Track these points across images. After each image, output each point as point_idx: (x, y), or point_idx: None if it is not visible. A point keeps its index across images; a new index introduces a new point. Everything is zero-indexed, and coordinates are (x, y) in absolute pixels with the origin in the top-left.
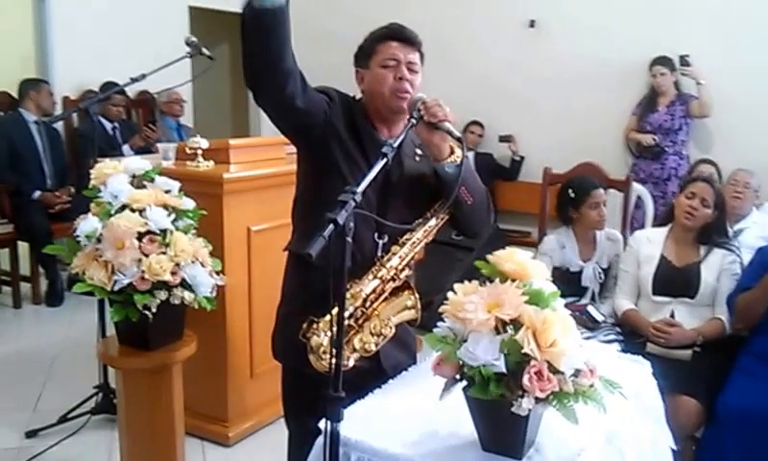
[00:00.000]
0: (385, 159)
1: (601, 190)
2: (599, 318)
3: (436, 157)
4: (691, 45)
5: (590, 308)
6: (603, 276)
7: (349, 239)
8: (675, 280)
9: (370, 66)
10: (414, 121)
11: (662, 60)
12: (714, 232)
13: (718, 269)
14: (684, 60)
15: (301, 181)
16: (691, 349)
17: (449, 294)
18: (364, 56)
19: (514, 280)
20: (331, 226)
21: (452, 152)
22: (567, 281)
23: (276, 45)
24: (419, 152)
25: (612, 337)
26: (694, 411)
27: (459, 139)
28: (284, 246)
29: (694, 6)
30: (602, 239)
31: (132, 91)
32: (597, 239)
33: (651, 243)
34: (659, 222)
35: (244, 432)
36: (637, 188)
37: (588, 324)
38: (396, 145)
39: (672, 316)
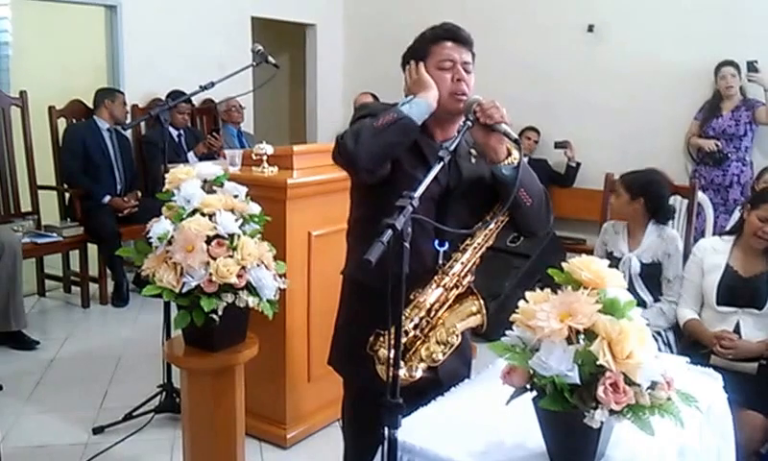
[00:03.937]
0: (442, 163)
1: None
2: None
3: (492, 159)
4: (758, 51)
5: None
6: (640, 269)
7: (407, 245)
8: (741, 291)
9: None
10: (470, 123)
11: (731, 63)
12: None
13: None
14: (753, 66)
15: (358, 206)
16: (757, 361)
17: (521, 302)
18: (416, 57)
19: (587, 288)
20: (389, 231)
21: (509, 154)
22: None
23: (403, 147)
24: (473, 152)
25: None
26: (759, 426)
27: (516, 141)
28: (342, 250)
29: (760, 10)
30: (651, 234)
31: (196, 100)
32: (645, 233)
33: (716, 252)
34: (728, 232)
35: (301, 435)
36: (698, 195)
37: None
38: (452, 149)
39: (737, 327)
